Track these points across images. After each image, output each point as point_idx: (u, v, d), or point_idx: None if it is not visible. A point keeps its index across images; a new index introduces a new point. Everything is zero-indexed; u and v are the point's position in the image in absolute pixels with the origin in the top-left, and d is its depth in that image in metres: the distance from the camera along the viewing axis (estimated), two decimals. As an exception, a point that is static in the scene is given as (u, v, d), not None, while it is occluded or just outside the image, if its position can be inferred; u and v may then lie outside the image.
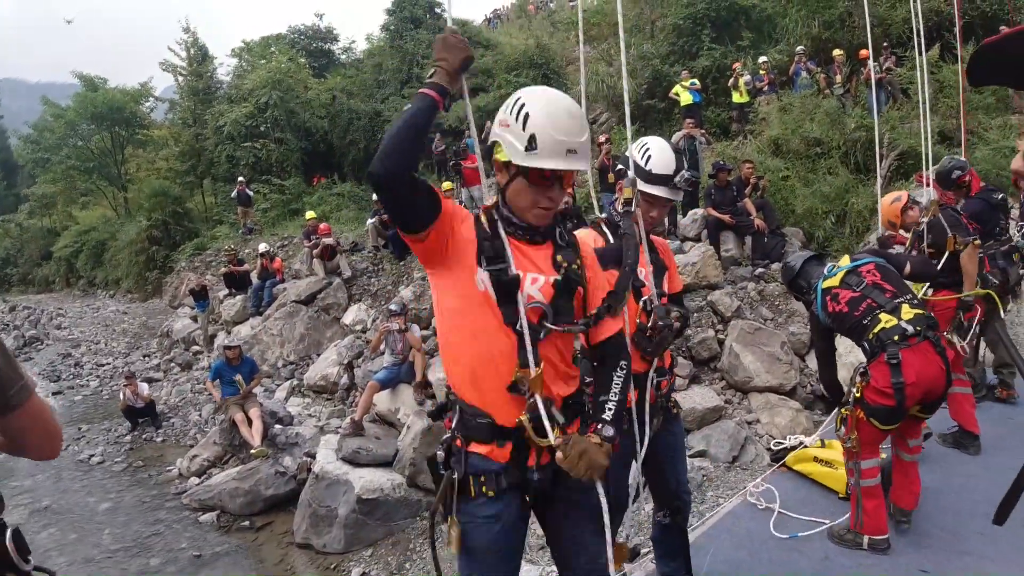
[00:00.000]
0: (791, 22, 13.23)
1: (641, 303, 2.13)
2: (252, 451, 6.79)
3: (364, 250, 11.95)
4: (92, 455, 8.42)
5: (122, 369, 12.25)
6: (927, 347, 2.67)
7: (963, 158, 4.60)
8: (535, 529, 4.83)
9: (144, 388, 9.50)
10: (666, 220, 7.77)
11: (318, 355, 9.84)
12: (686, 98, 11.51)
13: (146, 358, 13.44)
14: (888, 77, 10.52)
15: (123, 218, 24.56)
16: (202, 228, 19.59)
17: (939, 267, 3.71)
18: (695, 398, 6.37)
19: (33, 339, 16.82)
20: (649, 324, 2.06)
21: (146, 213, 20.35)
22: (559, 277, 1.63)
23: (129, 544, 6.08)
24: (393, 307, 7.47)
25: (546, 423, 1.53)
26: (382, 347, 7.32)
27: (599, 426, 1.59)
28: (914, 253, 3.91)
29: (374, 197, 12.15)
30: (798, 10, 13.14)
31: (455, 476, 1.60)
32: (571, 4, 22.70)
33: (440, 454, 1.66)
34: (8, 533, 1.03)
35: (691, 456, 5.64)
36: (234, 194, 16.17)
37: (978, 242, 3.77)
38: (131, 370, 11.26)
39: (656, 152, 2.26)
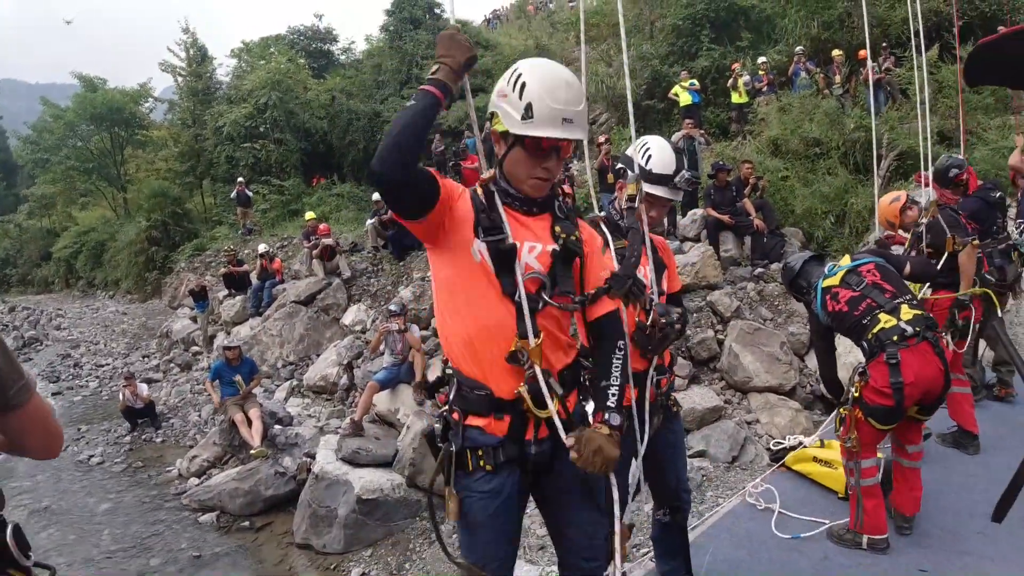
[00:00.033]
0: (790, 22, 13.23)
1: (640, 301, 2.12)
2: (252, 451, 6.78)
3: (363, 251, 11.94)
4: (92, 456, 8.42)
5: (121, 370, 12.22)
6: (926, 347, 2.68)
7: (961, 156, 4.60)
8: (535, 529, 4.85)
9: (143, 389, 9.50)
10: (665, 220, 7.77)
11: (318, 355, 9.84)
12: (685, 99, 11.52)
13: (145, 359, 13.43)
14: (887, 77, 10.53)
15: (122, 219, 24.54)
16: (201, 229, 19.58)
17: (938, 267, 3.72)
18: (695, 398, 6.38)
19: (32, 340, 16.80)
20: (649, 322, 2.06)
21: (145, 214, 20.34)
22: (557, 247, 1.63)
23: (129, 545, 6.07)
24: (392, 307, 7.47)
25: (546, 394, 1.53)
26: (382, 347, 7.32)
27: (605, 415, 1.59)
28: (913, 254, 3.92)
29: (374, 197, 12.15)
30: (797, 10, 13.14)
31: (452, 449, 1.60)
32: (570, 4, 22.72)
33: (437, 427, 1.66)
34: (9, 529, 1.03)
35: (691, 456, 5.65)
36: (233, 195, 16.16)
37: (977, 242, 3.78)
38: (130, 371, 11.24)
39: (656, 152, 2.26)
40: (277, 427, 7.36)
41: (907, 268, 3.13)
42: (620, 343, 1.68)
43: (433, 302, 1.75)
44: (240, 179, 16.30)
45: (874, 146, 5.84)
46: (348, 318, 10.24)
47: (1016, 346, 5.16)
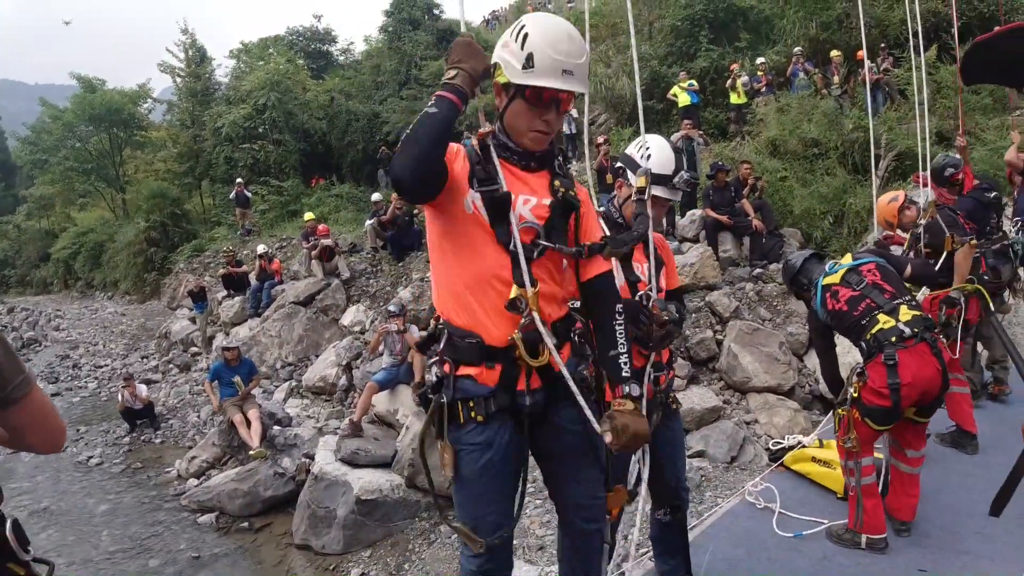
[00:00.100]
0: (789, 23, 13.25)
1: (638, 297, 2.12)
2: (251, 452, 6.77)
3: (362, 251, 11.94)
4: (91, 457, 8.41)
5: (120, 371, 12.21)
6: (924, 348, 2.68)
7: (957, 156, 4.61)
8: (534, 530, 4.85)
9: (142, 390, 9.48)
10: (664, 221, 7.78)
11: (317, 356, 9.83)
12: (684, 99, 11.52)
13: (144, 360, 13.41)
14: (885, 78, 10.55)
15: (121, 219, 24.53)
16: (200, 229, 19.59)
17: (936, 268, 3.73)
18: (693, 398, 6.38)
19: (31, 341, 16.76)
20: (649, 319, 2.05)
21: (144, 214, 20.34)
22: (556, 199, 1.64)
23: (128, 545, 6.06)
24: (392, 308, 7.47)
25: (547, 339, 1.54)
26: (381, 348, 7.32)
27: (625, 388, 1.59)
28: (912, 255, 3.93)
29: (373, 198, 12.15)
30: (796, 11, 13.17)
31: (443, 400, 1.59)
32: (569, 5, 22.70)
33: (431, 379, 1.65)
34: (8, 524, 1.03)
35: (690, 456, 5.65)
36: (232, 195, 16.14)
37: (975, 242, 3.79)
38: (129, 372, 11.23)
39: (656, 151, 2.26)
40: (276, 428, 7.35)
41: (908, 270, 3.13)
42: (618, 307, 1.68)
43: (429, 259, 1.75)
44: (239, 180, 16.29)
45: (872, 146, 5.85)
46: (347, 319, 10.24)
47: (1016, 346, 5.16)
